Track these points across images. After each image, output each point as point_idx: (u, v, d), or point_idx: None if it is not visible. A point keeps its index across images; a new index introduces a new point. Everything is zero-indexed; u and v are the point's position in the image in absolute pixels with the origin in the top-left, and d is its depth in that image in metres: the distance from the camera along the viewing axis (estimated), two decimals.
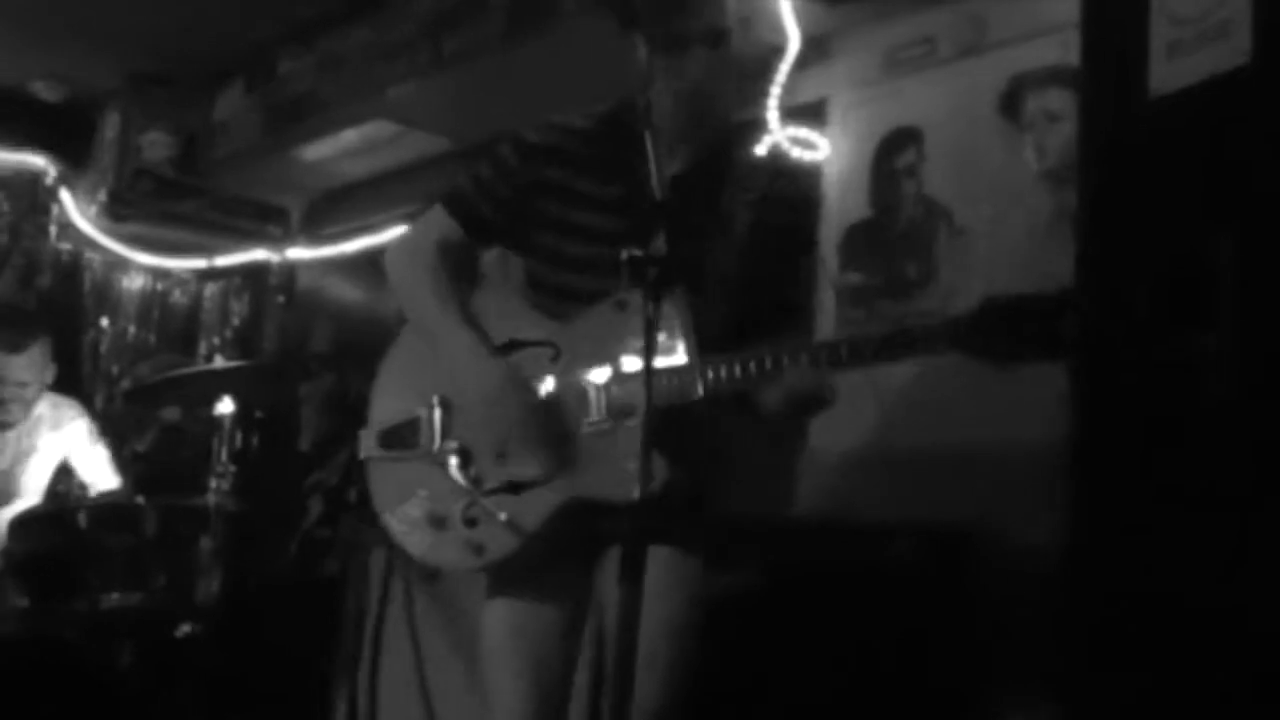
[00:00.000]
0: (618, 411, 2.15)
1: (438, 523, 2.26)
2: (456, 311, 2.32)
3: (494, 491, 2.21)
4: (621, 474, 1.98)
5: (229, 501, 4.47)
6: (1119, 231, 2.43)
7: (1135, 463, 2.34)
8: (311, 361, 5.95)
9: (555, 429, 2.20)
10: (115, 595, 3.85)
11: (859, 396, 3.64)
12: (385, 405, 2.43)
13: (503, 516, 2.18)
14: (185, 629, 4.17)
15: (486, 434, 2.24)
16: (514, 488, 2.20)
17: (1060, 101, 3.27)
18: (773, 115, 3.94)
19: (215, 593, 4.70)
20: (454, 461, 2.25)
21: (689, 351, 2.04)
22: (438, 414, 2.31)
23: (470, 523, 2.22)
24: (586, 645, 2.46)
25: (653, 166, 2.02)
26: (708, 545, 2.28)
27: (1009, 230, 3.38)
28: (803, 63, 3.90)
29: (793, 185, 2.46)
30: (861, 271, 3.75)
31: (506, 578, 2.32)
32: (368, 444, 2.43)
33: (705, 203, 2.28)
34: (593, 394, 2.19)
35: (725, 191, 2.32)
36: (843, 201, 3.85)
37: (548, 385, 2.25)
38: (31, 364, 4.56)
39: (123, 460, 5.84)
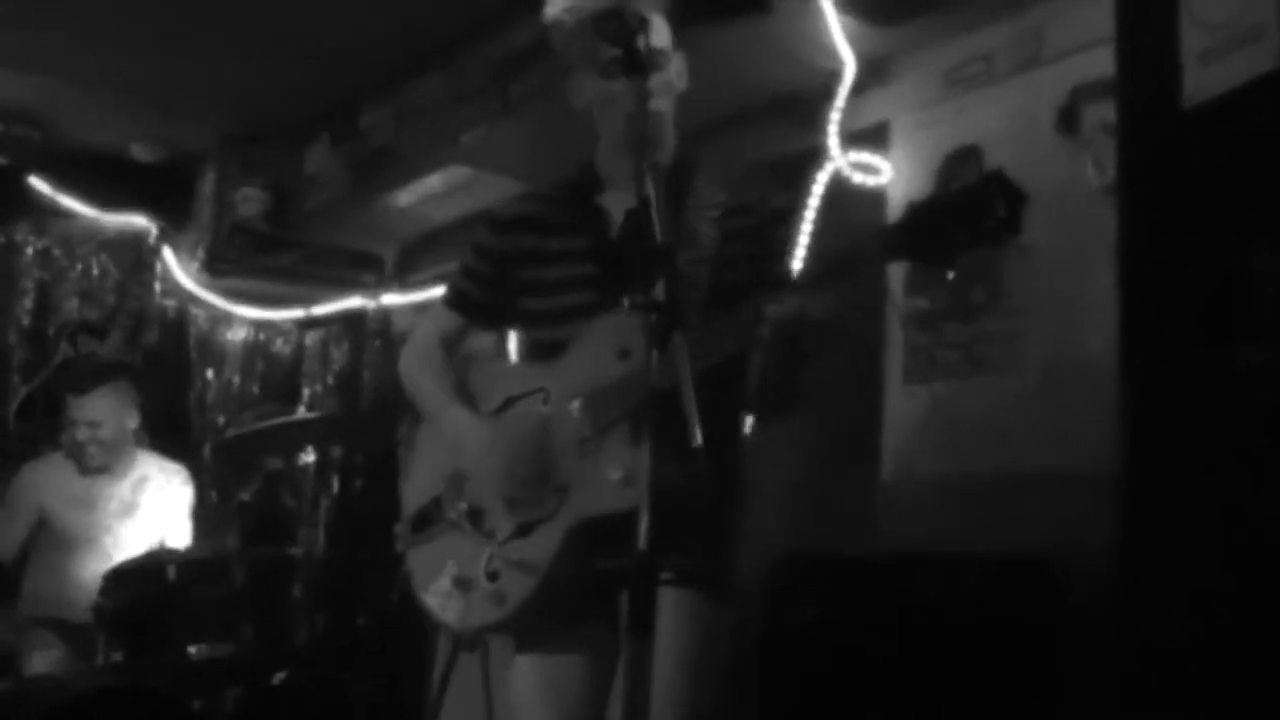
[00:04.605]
0: (602, 425, 2.17)
1: (465, 585, 2.28)
2: (451, 390, 2.46)
3: (507, 539, 2.24)
4: (608, 484, 2.08)
5: (319, 550, 4.55)
6: (1160, 245, 2.35)
7: (1187, 478, 2.27)
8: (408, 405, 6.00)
9: (552, 465, 2.23)
10: (205, 646, 3.92)
11: (934, 423, 3.57)
12: (412, 496, 2.49)
13: (516, 558, 2.20)
14: (280, 676, 4.24)
15: (491, 489, 2.29)
16: (523, 529, 2.23)
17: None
18: (834, 141, 3.90)
19: (310, 640, 4.77)
20: (468, 522, 2.29)
21: (687, 399, 1.98)
22: (451, 485, 2.36)
23: (492, 576, 2.25)
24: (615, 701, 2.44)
25: (655, 214, 2.02)
26: (722, 579, 2.26)
27: (1074, 247, 3.28)
28: (861, 87, 3.85)
29: (757, 194, 2.45)
30: (927, 296, 3.66)
31: (532, 637, 2.34)
32: (402, 535, 2.48)
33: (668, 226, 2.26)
34: (576, 416, 2.21)
35: (686, 211, 2.33)
36: None
37: (538, 424, 2.28)
38: (100, 404, 4.65)
39: (229, 510, 5.98)
